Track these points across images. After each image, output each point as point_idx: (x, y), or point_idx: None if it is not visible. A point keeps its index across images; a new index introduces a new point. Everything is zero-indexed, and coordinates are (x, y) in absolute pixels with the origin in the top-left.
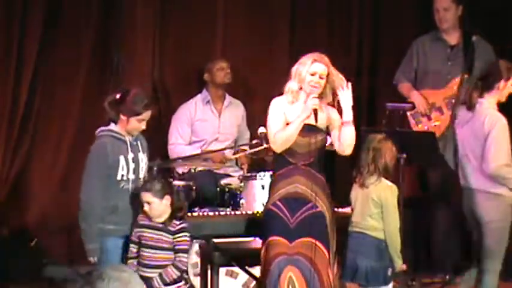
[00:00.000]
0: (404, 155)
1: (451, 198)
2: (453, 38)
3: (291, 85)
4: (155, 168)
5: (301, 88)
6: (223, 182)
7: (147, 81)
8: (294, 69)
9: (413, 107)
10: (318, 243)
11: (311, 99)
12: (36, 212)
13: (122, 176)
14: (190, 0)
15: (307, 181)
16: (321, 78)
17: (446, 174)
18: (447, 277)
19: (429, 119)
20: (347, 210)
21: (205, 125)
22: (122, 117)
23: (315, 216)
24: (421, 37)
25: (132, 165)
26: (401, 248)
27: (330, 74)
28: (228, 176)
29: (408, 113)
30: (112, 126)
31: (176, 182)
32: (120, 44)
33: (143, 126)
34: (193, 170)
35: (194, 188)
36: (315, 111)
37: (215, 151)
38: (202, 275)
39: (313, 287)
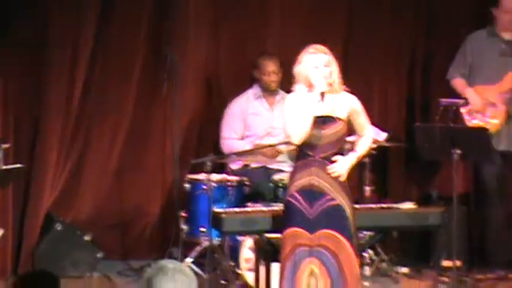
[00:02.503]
0: (458, 151)
1: (505, 194)
2: (508, 33)
3: (298, 87)
4: (208, 163)
5: (310, 85)
6: (276, 177)
7: (201, 75)
8: (296, 70)
9: (467, 103)
10: (339, 235)
11: (318, 85)
12: (90, 206)
13: None
14: None
15: (324, 174)
16: (326, 66)
17: (500, 169)
18: (501, 273)
19: (484, 115)
20: (407, 206)
21: (258, 119)
22: None
23: (334, 209)
24: (475, 32)
25: None
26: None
27: (331, 61)
28: (281, 171)
29: (463, 109)
30: None
31: (230, 178)
32: (173, 38)
33: None
34: (247, 167)
35: (248, 183)
36: (322, 97)
37: (268, 146)
38: (256, 270)
39: (336, 280)
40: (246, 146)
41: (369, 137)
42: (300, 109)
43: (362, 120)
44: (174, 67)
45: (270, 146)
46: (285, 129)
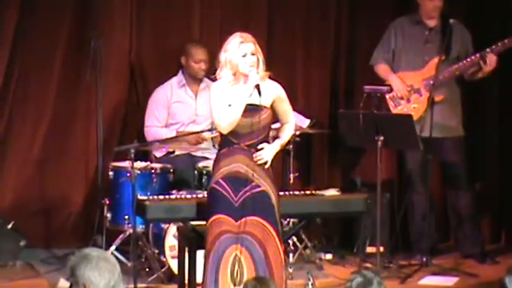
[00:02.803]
0: (382, 138)
1: (428, 181)
2: (432, 21)
3: (224, 74)
4: (132, 151)
5: (235, 74)
6: (200, 164)
7: (124, 63)
8: (222, 57)
9: (391, 90)
10: (265, 222)
11: (252, 76)
12: (12, 194)
13: None
14: None
15: (249, 161)
16: (253, 54)
17: (424, 156)
18: (424, 259)
19: (408, 101)
20: (331, 192)
21: (182, 107)
22: None
23: (259, 195)
24: (399, 19)
25: None
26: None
27: (257, 50)
28: (206, 158)
29: (387, 96)
30: None
31: (154, 165)
32: (97, 26)
33: None
34: (171, 154)
35: (172, 170)
36: (258, 88)
37: (191, 133)
38: (180, 258)
39: (261, 266)
40: (169, 133)
41: (293, 124)
42: (229, 99)
43: (286, 107)
44: (98, 54)
45: (194, 133)
46: (213, 118)
